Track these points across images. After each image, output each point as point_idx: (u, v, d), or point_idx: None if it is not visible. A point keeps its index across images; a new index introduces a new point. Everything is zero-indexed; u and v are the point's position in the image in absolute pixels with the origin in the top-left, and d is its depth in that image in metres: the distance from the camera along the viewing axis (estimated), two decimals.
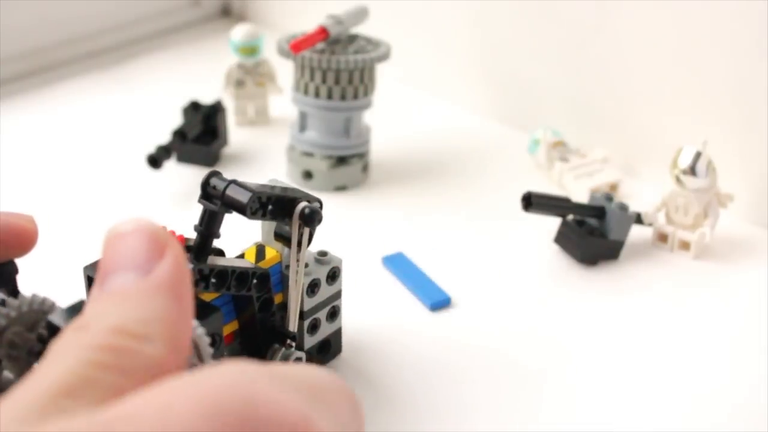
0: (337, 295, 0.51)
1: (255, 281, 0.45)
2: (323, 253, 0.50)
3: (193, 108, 0.77)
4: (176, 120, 0.79)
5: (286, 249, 0.47)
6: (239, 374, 0.21)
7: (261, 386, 0.20)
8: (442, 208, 0.71)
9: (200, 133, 0.76)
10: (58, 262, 0.62)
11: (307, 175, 0.73)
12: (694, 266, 0.64)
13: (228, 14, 1.07)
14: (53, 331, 0.33)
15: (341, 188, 0.73)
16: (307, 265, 0.49)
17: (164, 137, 0.75)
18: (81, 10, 0.95)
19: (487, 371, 0.54)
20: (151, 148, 0.73)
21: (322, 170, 0.72)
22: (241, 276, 0.44)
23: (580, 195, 0.70)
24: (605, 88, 0.75)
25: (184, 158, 0.76)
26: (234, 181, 0.43)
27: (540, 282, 0.62)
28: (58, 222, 0.68)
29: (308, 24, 0.73)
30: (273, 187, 0.45)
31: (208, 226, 0.43)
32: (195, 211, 0.44)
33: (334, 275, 0.50)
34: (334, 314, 0.51)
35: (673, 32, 0.70)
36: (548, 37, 0.78)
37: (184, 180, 0.74)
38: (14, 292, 0.37)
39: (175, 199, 0.71)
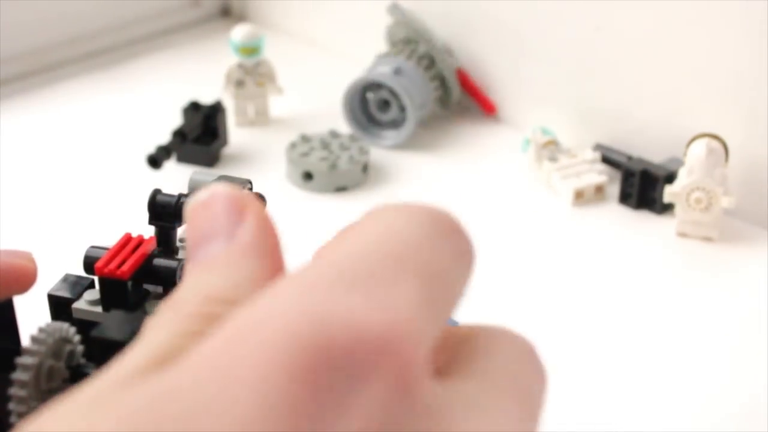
0: None
1: None
2: None
3: (193, 108, 0.77)
4: (176, 120, 0.79)
5: None
6: (309, 292, 0.18)
7: (333, 303, 0.18)
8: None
9: (200, 134, 0.76)
10: (58, 263, 0.62)
11: (307, 175, 0.73)
12: (693, 267, 0.64)
13: (228, 14, 1.07)
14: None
15: (341, 189, 0.73)
16: None
17: (164, 137, 0.75)
18: (81, 9, 0.95)
19: None
20: (151, 148, 0.73)
21: (322, 171, 0.72)
22: None
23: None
24: (606, 87, 0.75)
25: (184, 158, 0.76)
26: (182, 195, 0.43)
27: (538, 283, 0.62)
28: (57, 222, 0.68)
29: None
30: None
31: (167, 244, 0.43)
32: None
33: None
34: None
35: (672, 32, 0.70)
36: (547, 36, 0.78)
37: (184, 180, 0.74)
38: (14, 332, 0.37)
39: None
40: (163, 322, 0.21)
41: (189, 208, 0.23)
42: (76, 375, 0.35)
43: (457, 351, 0.21)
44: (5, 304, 0.37)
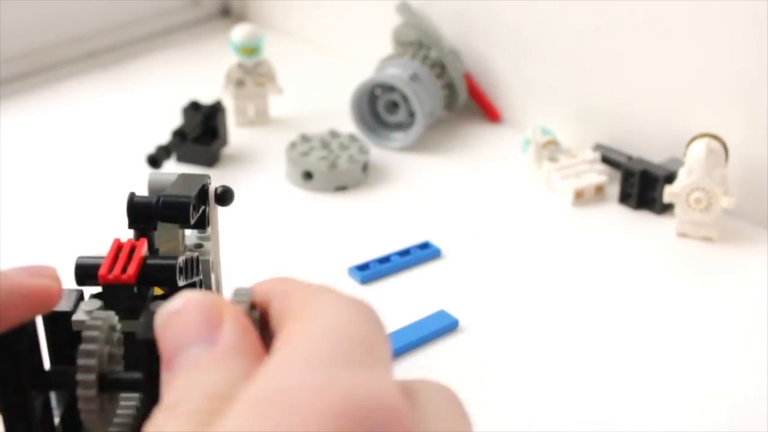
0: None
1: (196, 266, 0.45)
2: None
3: (193, 108, 0.77)
4: (176, 120, 0.79)
5: (181, 232, 0.47)
6: (314, 371, 0.22)
7: (340, 379, 0.22)
8: (443, 209, 0.71)
9: (200, 134, 0.76)
10: (56, 262, 0.62)
11: (307, 175, 0.73)
12: (694, 267, 0.64)
13: (228, 14, 1.07)
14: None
15: (341, 188, 0.73)
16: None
17: (164, 137, 0.75)
18: (81, 9, 0.95)
19: (480, 369, 0.54)
20: (151, 148, 0.73)
21: (321, 170, 0.72)
22: (193, 263, 0.44)
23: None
24: (606, 87, 0.75)
25: (184, 158, 0.76)
26: (160, 196, 0.43)
27: (538, 283, 0.62)
28: (57, 222, 0.68)
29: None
30: (176, 185, 0.45)
31: (151, 246, 0.43)
32: None
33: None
34: None
35: (673, 32, 0.70)
36: (548, 36, 0.78)
37: None
38: (38, 351, 0.37)
39: None
40: (168, 424, 0.22)
41: (161, 317, 0.24)
42: (107, 383, 0.35)
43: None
44: (28, 324, 0.36)
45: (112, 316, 0.35)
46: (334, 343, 0.23)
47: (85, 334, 0.34)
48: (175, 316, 0.24)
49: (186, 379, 0.23)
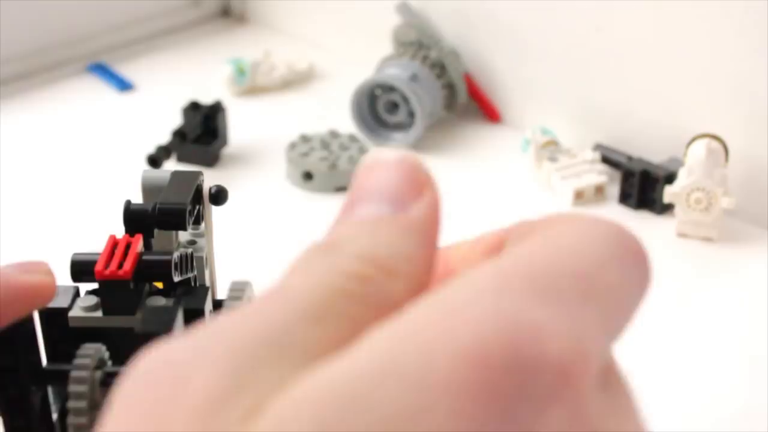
0: None
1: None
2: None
3: (193, 108, 0.77)
4: (176, 120, 0.79)
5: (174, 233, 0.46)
6: (499, 296, 0.18)
7: (524, 313, 0.18)
8: (442, 209, 0.71)
9: (200, 134, 0.76)
10: (57, 262, 0.62)
11: (307, 176, 0.73)
12: (694, 267, 0.64)
13: (228, 14, 1.07)
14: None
15: (341, 189, 0.73)
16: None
17: (164, 137, 0.75)
18: (81, 9, 0.95)
19: None
20: (151, 148, 0.73)
21: (322, 171, 0.72)
22: (188, 258, 0.44)
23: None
24: (606, 87, 0.75)
25: (184, 158, 0.76)
26: (157, 202, 0.43)
27: None
28: (58, 222, 0.68)
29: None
30: (171, 188, 0.44)
31: (148, 248, 0.43)
32: None
33: None
34: None
35: (673, 32, 0.70)
36: (548, 36, 0.78)
37: None
38: (36, 346, 0.37)
39: None
40: (316, 269, 0.20)
41: (368, 162, 0.23)
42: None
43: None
44: (26, 320, 0.36)
45: (102, 351, 0.35)
46: (545, 270, 0.19)
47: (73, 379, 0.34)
48: (379, 167, 0.22)
49: (356, 230, 0.21)
